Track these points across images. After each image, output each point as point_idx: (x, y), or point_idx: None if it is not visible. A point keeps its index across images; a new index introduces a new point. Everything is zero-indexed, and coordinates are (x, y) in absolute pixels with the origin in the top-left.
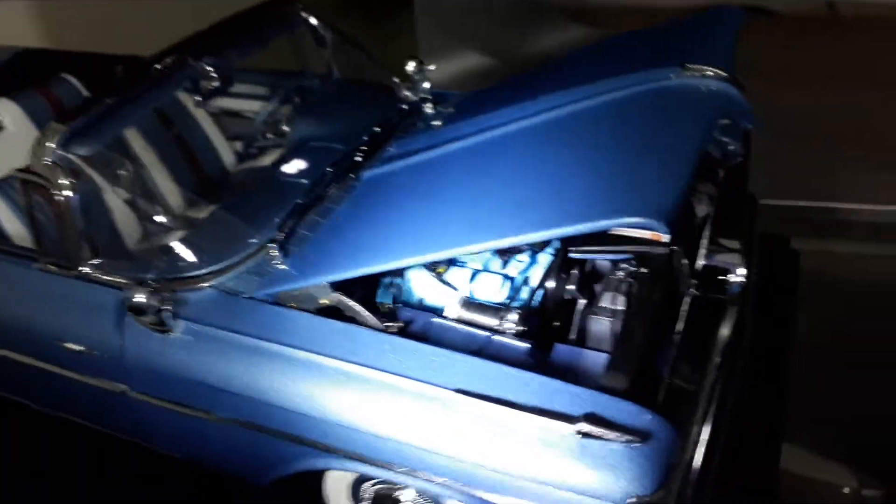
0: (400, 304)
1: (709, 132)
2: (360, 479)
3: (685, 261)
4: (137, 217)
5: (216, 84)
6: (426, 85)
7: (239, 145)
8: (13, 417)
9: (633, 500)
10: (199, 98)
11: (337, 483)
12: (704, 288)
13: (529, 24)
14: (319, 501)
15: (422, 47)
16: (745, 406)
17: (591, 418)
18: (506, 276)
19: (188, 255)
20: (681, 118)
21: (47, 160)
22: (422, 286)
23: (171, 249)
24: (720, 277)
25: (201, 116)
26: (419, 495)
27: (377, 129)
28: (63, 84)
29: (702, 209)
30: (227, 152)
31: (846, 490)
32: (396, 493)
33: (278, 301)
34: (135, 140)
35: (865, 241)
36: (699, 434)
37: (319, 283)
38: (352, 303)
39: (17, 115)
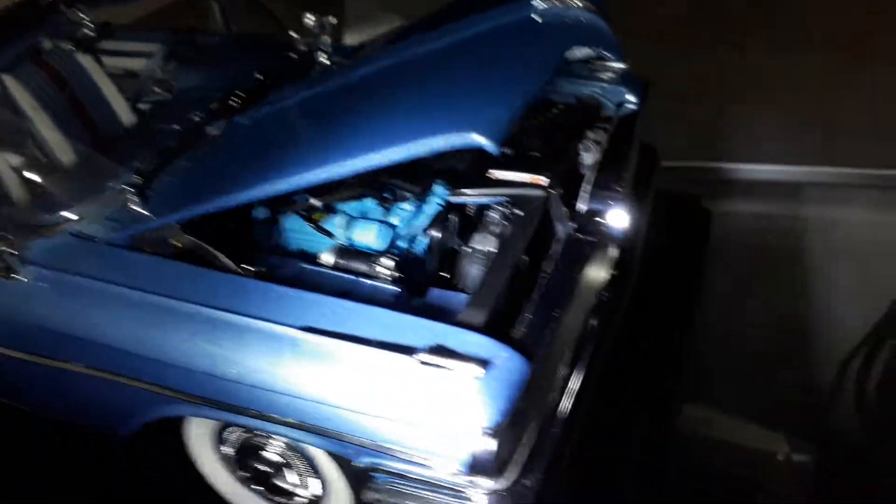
0: (275, 252)
1: (559, 58)
2: (223, 428)
3: (563, 205)
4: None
5: (92, 33)
6: (326, 38)
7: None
8: None
9: (480, 430)
10: (72, 47)
11: (199, 432)
12: (584, 231)
13: None
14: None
15: (349, 15)
16: (645, 358)
17: (435, 349)
18: (386, 224)
19: (46, 202)
20: (535, 46)
21: None
22: (297, 233)
23: (33, 198)
24: (599, 220)
25: (98, 77)
26: (286, 448)
27: (259, 78)
28: None
29: (589, 156)
30: (123, 110)
31: (780, 457)
32: (261, 442)
33: (134, 246)
34: (24, 100)
35: (770, 201)
36: (568, 375)
37: (170, 225)
38: (205, 245)
39: None
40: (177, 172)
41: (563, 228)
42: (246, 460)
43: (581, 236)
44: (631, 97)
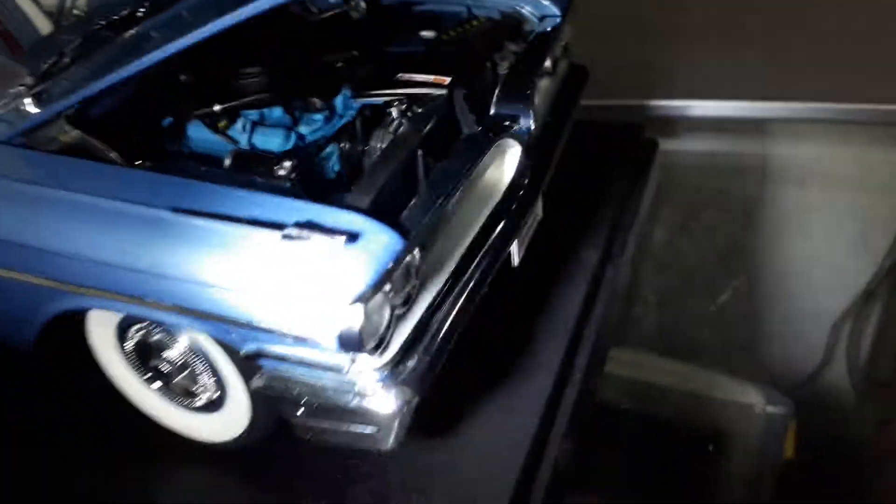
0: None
1: None
2: (125, 327)
3: (468, 106)
4: None
5: None
6: None
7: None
8: None
9: (342, 302)
10: None
11: (101, 332)
12: (488, 131)
13: None
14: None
15: None
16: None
17: (303, 225)
18: (291, 131)
19: None
20: None
21: None
22: (201, 140)
23: None
24: (507, 123)
25: None
26: (186, 349)
27: None
28: None
29: (504, 65)
30: (41, 24)
31: (757, 409)
32: (162, 340)
33: (27, 145)
34: None
35: (719, 138)
36: (460, 269)
37: (58, 121)
38: (92, 140)
39: None
40: (67, 73)
41: (466, 128)
42: (147, 360)
43: (483, 136)
44: (554, 10)
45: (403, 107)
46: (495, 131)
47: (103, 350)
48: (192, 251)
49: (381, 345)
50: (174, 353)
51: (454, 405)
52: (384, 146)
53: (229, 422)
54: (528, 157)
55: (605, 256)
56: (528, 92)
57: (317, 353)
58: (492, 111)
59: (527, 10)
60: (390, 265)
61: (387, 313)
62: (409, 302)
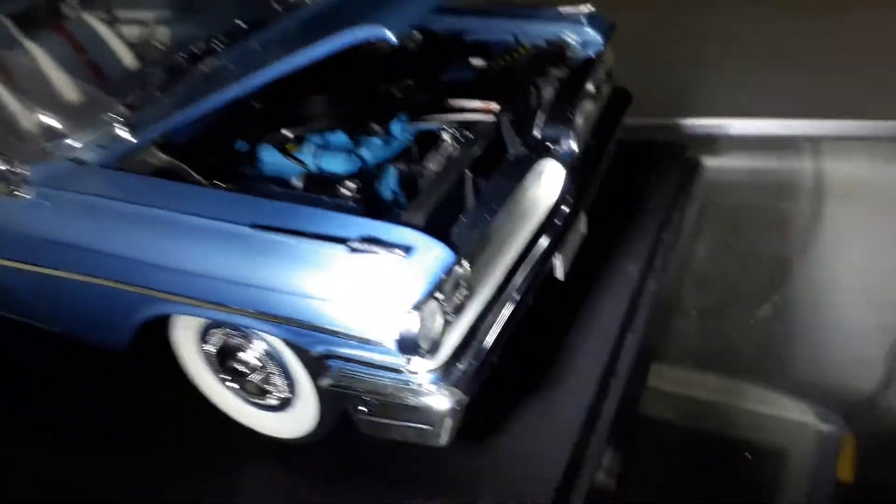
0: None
1: None
2: (207, 327)
3: (515, 130)
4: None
5: None
6: None
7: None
8: None
9: (396, 308)
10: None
11: (183, 330)
12: (533, 153)
13: None
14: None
15: None
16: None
17: (366, 239)
18: (354, 154)
19: (49, 132)
20: None
21: None
22: (271, 161)
23: (38, 129)
24: (549, 145)
25: (102, 30)
26: (265, 354)
27: (243, 25)
28: None
29: (548, 90)
30: (127, 58)
31: (807, 427)
32: (239, 343)
33: (122, 168)
34: (34, 50)
35: (756, 155)
36: (507, 278)
37: (149, 146)
38: (179, 163)
39: None
40: (155, 102)
41: (513, 150)
42: (225, 361)
43: (527, 157)
44: (597, 37)
45: (454, 131)
46: (539, 153)
47: (186, 351)
48: (268, 263)
49: (434, 348)
50: (250, 355)
51: (498, 410)
52: (437, 168)
53: (299, 419)
54: (570, 177)
55: (647, 270)
56: (570, 115)
57: (378, 354)
58: (536, 134)
59: (570, 38)
60: (442, 276)
61: (439, 319)
62: (459, 310)
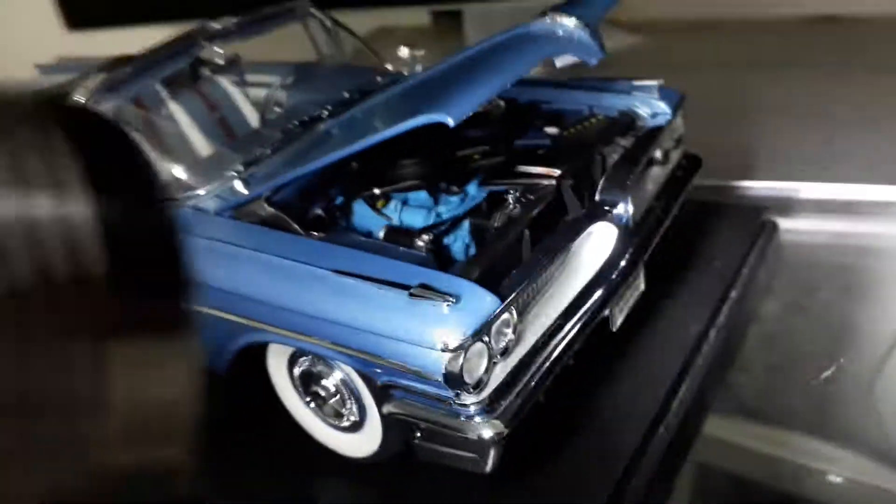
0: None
1: (534, 60)
2: (296, 355)
3: (575, 194)
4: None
5: (222, 61)
6: (418, 68)
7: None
8: None
9: (444, 348)
10: (209, 73)
11: (277, 357)
12: (591, 216)
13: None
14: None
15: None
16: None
17: (424, 286)
18: (432, 211)
19: (177, 182)
20: (520, 51)
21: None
22: (362, 214)
23: (172, 178)
24: (608, 209)
25: (234, 92)
26: (341, 382)
27: (347, 96)
28: None
29: (613, 158)
30: (253, 120)
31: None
32: (321, 370)
33: (235, 216)
34: (176, 109)
35: (834, 219)
36: (554, 330)
37: (258, 200)
38: (282, 215)
39: None
40: (268, 161)
41: (572, 212)
42: (309, 385)
43: (582, 220)
44: (665, 108)
45: (518, 194)
46: (595, 215)
47: (278, 376)
48: (344, 303)
49: (479, 385)
50: (329, 381)
51: (546, 447)
52: (500, 225)
53: (367, 440)
54: (624, 237)
55: (708, 326)
56: (627, 181)
57: (430, 388)
58: (596, 198)
59: (640, 109)
60: (488, 322)
61: (485, 360)
62: (506, 352)
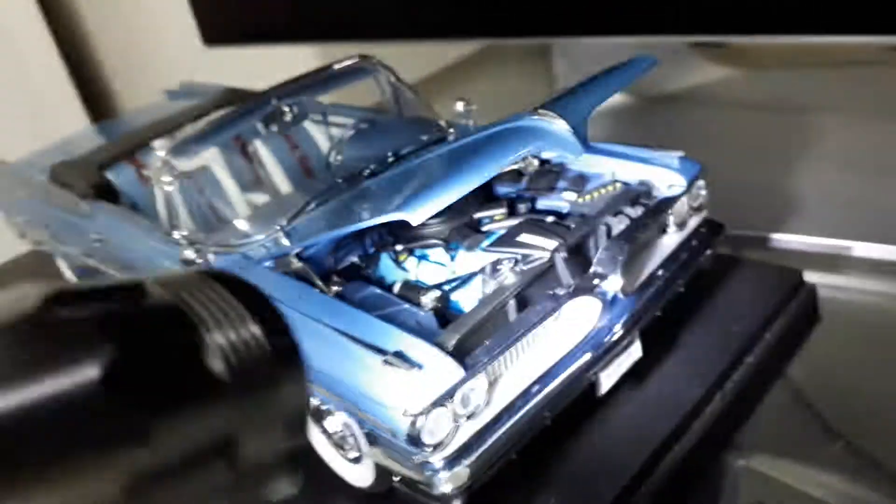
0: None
1: (515, 155)
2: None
3: (568, 266)
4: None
5: (289, 119)
6: (471, 122)
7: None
8: None
9: (405, 413)
10: (275, 129)
11: None
12: (580, 289)
13: (669, 67)
14: None
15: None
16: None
17: (397, 353)
18: (446, 268)
19: (231, 230)
20: (500, 147)
21: (158, 164)
22: (385, 267)
23: (231, 226)
24: (597, 282)
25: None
26: (343, 424)
27: (390, 157)
28: None
29: (618, 228)
30: (311, 168)
31: None
32: (329, 409)
33: (274, 266)
34: (266, 157)
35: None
36: (522, 394)
37: (289, 256)
38: (307, 268)
39: None
40: (310, 218)
41: (564, 283)
42: (321, 421)
43: (567, 292)
44: (681, 179)
45: (511, 264)
46: (582, 289)
47: None
48: (338, 358)
49: (441, 445)
50: (335, 420)
51: (517, 499)
52: (489, 292)
53: (365, 473)
54: (611, 310)
55: (712, 391)
56: (620, 256)
57: (399, 443)
58: (592, 269)
59: (659, 179)
60: (449, 390)
61: (447, 423)
62: (473, 415)
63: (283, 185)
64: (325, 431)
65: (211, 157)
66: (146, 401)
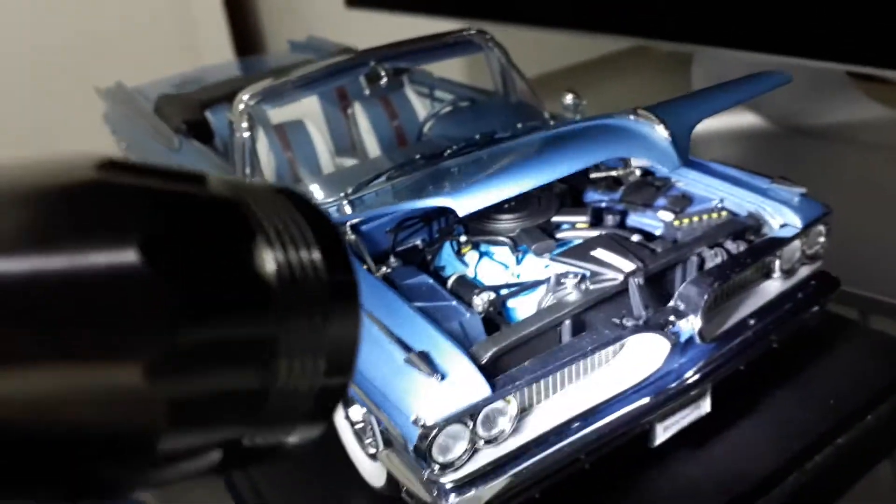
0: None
1: (600, 157)
2: None
3: (642, 294)
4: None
5: (384, 83)
6: (577, 117)
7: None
8: None
9: (419, 422)
10: (367, 92)
11: None
12: (650, 324)
13: (820, 98)
14: None
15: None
16: None
17: (422, 354)
18: (509, 269)
19: (300, 189)
20: (582, 147)
21: (240, 108)
22: (445, 257)
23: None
24: (672, 319)
25: (417, 104)
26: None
27: (478, 138)
28: None
29: (713, 262)
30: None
31: None
32: (350, 397)
33: None
34: (363, 120)
35: None
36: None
37: (345, 225)
38: (359, 242)
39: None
40: (375, 189)
41: (635, 313)
42: (347, 407)
43: (637, 326)
44: (796, 220)
45: (577, 280)
46: (653, 324)
47: None
48: (365, 346)
49: (453, 465)
50: (358, 411)
51: None
52: (544, 308)
53: (380, 472)
54: (681, 354)
55: (789, 468)
56: (706, 295)
57: (409, 453)
58: (671, 303)
59: (772, 215)
60: (471, 407)
61: (464, 443)
62: (495, 440)
63: (374, 150)
64: (348, 418)
65: (309, 112)
66: (184, 284)
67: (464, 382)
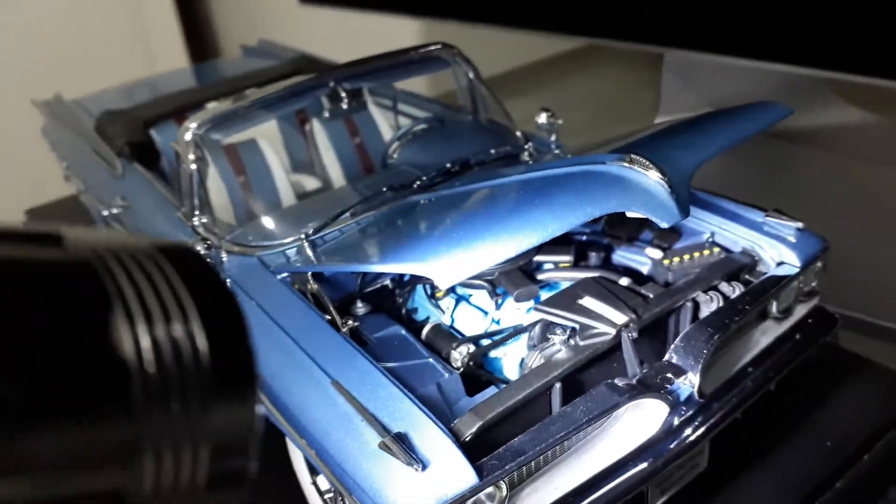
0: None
1: (590, 215)
2: None
3: (635, 349)
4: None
5: (345, 106)
6: (552, 137)
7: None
8: None
9: None
10: (326, 115)
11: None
12: (646, 382)
13: (787, 97)
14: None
15: (663, 104)
16: None
17: (399, 437)
18: (488, 316)
19: (253, 227)
20: (572, 201)
21: (186, 138)
22: (418, 300)
23: (256, 224)
24: (671, 376)
25: (380, 121)
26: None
27: (450, 166)
28: None
29: (708, 307)
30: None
31: None
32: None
33: (290, 279)
34: (322, 139)
35: None
36: None
37: (306, 273)
38: (324, 295)
39: None
40: (342, 235)
41: (630, 370)
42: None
43: (632, 388)
44: (795, 259)
45: (566, 335)
46: (650, 385)
47: (294, 455)
48: (332, 421)
49: None
50: (325, 481)
51: None
52: (532, 369)
53: None
54: (679, 415)
55: None
56: (705, 350)
57: None
58: (669, 357)
59: (767, 251)
60: (457, 498)
61: None
62: None
63: (334, 168)
64: (315, 485)
65: (263, 128)
66: (11, 380)
67: (447, 471)
